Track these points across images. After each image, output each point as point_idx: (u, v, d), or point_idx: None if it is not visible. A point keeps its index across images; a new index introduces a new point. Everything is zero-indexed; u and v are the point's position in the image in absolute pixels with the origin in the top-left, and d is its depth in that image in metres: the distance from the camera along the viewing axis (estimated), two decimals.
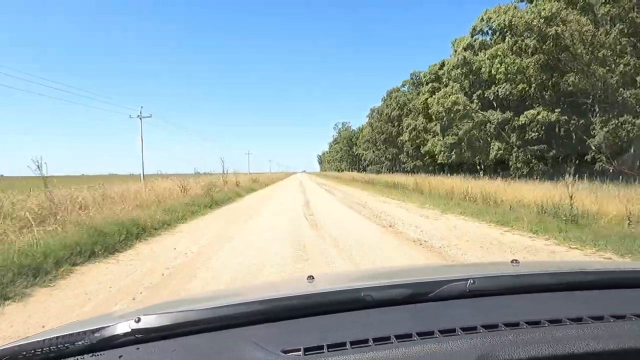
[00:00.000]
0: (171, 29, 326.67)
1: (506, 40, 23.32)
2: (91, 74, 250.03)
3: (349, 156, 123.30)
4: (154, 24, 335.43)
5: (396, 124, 54.88)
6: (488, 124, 26.30)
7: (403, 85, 59.16)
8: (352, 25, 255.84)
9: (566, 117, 21.45)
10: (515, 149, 25.31)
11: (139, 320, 0.92)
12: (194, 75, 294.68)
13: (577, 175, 12.49)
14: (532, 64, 21.04)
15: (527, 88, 22.28)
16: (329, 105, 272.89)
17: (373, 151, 74.85)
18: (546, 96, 22.01)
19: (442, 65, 41.73)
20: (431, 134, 39.51)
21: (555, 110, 21.06)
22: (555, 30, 19.15)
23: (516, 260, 1.44)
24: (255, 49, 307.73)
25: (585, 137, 20.98)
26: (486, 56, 24.28)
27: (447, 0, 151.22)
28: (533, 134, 23.63)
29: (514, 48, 21.66)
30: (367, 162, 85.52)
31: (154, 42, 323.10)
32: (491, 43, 29.07)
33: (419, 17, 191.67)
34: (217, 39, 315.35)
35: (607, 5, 18.93)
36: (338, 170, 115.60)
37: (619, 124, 18.75)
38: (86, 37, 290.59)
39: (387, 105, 60.49)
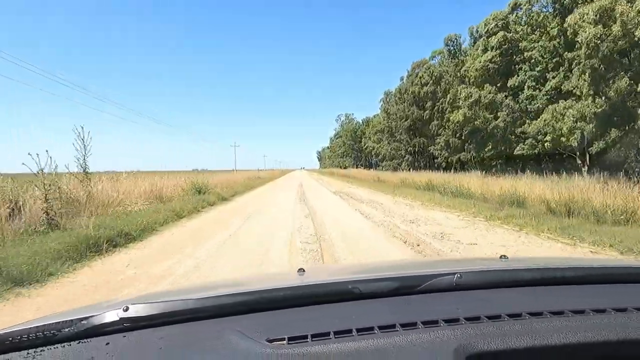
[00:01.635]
0: (171, 28, 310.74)
1: None
2: (92, 74, 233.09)
3: (353, 151, 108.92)
4: (153, 24, 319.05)
5: (428, 104, 40.80)
6: None
7: (432, 57, 45.07)
8: (352, 25, 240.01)
9: None
10: None
11: (126, 309, 0.93)
12: (194, 75, 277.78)
13: None
14: None
15: None
16: (329, 105, 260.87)
17: (389, 143, 60.82)
18: None
19: (515, 5, 27.68)
20: (504, 108, 25.44)
21: None
22: None
23: (505, 255, 1.48)
24: (255, 48, 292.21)
25: None
26: None
27: (447, 0, 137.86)
28: None
29: None
30: (379, 157, 71.32)
31: (153, 42, 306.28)
32: None
33: (419, 17, 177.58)
34: (217, 39, 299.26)
35: None
36: (342, 167, 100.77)
37: None
38: (85, 37, 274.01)
39: (412, 83, 46.41)
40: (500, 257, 1.46)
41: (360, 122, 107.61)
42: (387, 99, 62.72)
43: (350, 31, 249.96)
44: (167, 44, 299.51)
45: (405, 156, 54.12)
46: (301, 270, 1.35)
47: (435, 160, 44.40)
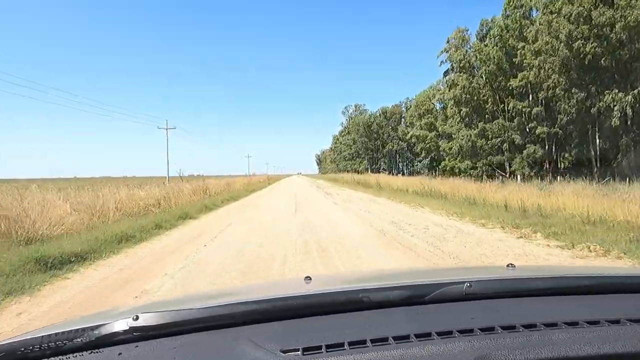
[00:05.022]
0: (163, 28, 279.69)
1: None
2: (95, 74, 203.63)
3: (367, 150, 79.55)
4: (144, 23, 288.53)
5: None
6: None
7: None
8: (351, 27, 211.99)
9: None
10: None
11: (137, 318, 0.92)
12: (162, 66, 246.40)
13: None
14: None
15: None
16: (327, 106, 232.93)
17: (467, 126, 32.10)
18: None
19: None
20: None
21: None
22: None
23: (512, 264, 1.44)
24: (244, 44, 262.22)
25: None
26: None
27: (449, 1, 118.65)
28: None
29: None
30: (431, 153, 42.41)
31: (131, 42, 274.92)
32: None
33: (420, 18, 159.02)
34: (208, 38, 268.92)
35: None
36: (355, 172, 70.71)
37: None
38: (86, 37, 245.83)
39: None
40: (507, 265, 1.44)
41: (377, 113, 78.41)
42: (463, 43, 33.62)
43: (348, 34, 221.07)
44: (149, 44, 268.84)
45: (532, 149, 25.22)
46: (308, 278, 1.33)
47: None
